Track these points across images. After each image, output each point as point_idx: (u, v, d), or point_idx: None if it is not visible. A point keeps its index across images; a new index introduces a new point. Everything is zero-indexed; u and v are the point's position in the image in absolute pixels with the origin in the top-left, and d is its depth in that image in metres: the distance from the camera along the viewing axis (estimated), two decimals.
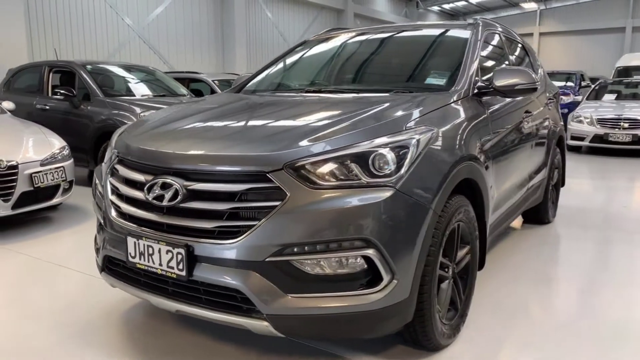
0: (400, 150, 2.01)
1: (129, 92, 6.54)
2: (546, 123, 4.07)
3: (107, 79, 6.58)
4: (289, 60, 3.59)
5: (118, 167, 2.32)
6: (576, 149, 9.85)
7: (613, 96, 10.66)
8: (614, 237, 4.15)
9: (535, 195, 4.03)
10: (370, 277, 1.91)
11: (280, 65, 3.58)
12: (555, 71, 16.46)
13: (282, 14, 17.41)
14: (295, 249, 1.86)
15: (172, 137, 2.29)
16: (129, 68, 7.25)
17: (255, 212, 1.91)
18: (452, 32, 3.34)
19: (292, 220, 1.86)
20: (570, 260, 3.63)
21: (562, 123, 4.68)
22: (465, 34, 3.16)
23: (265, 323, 1.90)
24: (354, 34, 3.63)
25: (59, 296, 3.01)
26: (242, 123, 2.40)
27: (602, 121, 9.23)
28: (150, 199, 2.05)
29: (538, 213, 4.43)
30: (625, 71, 14.59)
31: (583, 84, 15.20)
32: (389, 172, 1.95)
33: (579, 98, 12.38)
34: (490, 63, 3.28)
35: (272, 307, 1.88)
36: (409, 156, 2.01)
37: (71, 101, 6.14)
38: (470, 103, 2.66)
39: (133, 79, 7.01)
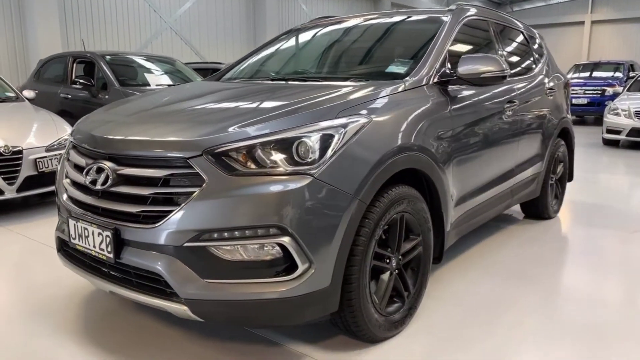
0: (326, 138, 1.99)
1: (146, 83, 6.73)
2: (543, 113, 3.89)
3: (126, 70, 6.81)
4: (271, 48, 3.59)
5: (71, 152, 2.41)
6: (614, 143, 9.35)
7: None
8: (614, 238, 3.93)
9: (528, 190, 3.87)
10: (286, 264, 1.90)
11: (265, 52, 3.59)
12: (601, 61, 15.68)
13: (318, 5, 17.36)
14: (212, 235, 1.88)
15: (117, 123, 2.35)
16: (150, 59, 7.46)
17: (176, 198, 1.94)
18: (429, 19, 3.23)
19: (208, 207, 1.88)
20: (554, 259, 3.47)
21: (567, 115, 4.46)
22: (439, 21, 3.06)
23: (184, 307, 1.93)
24: (338, 22, 3.59)
25: (37, 276, 3.16)
26: (186, 110, 2.43)
27: None
28: (87, 182, 2.13)
29: (536, 208, 4.25)
30: None
31: (633, 75, 14.36)
32: (311, 160, 1.94)
33: None
34: (467, 50, 3.16)
35: (189, 291, 1.91)
36: (332, 144, 1.98)
37: (90, 90, 6.40)
38: (429, 92, 2.58)
39: (152, 69, 7.21)
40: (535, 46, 4.28)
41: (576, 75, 14.61)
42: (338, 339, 2.36)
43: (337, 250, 1.96)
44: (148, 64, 7.29)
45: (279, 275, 1.91)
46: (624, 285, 3.02)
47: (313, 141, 1.95)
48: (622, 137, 8.89)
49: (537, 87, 3.88)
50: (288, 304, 1.92)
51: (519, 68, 3.85)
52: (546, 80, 4.10)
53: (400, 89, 2.45)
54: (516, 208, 4.41)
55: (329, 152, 1.96)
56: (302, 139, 1.95)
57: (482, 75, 2.66)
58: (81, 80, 6.39)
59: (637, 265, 3.31)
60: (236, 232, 1.87)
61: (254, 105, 2.29)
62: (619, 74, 14.25)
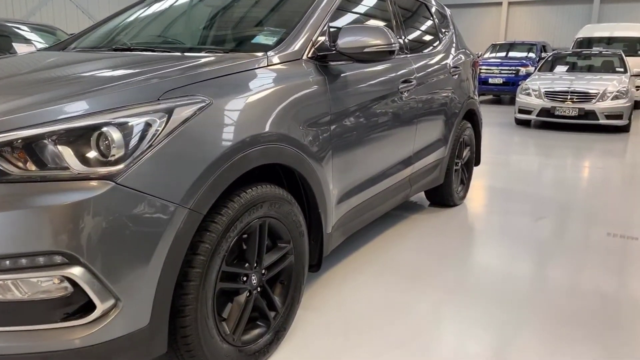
0: (139, 128, 1.48)
1: (13, 50, 5.87)
2: (445, 94, 3.58)
3: None
4: (134, 12, 2.97)
5: None
6: (526, 123, 9.46)
7: (565, 68, 10.25)
8: (519, 226, 3.74)
9: (430, 177, 3.56)
10: (80, 304, 1.40)
11: (127, 16, 2.96)
12: (516, 41, 16.05)
13: None
14: None
15: None
16: (27, 27, 6.56)
17: None
18: None
19: None
20: (456, 253, 3.19)
21: (474, 95, 4.20)
22: None
23: None
24: None
25: None
26: None
27: (550, 94, 8.82)
28: None
29: (440, 196, 3.99)
30: (587, 43, 14.16)
31: (544, 55, 14.79)
32: (114, 159, 1.42)
33: None
34: (355, 21, 2.74)
35: None
36: (148, 136, 1.48)
37: None
38: (301, 68, 2.13)
39: (28, 39, 6.30)
40: (440, 21, 3.94)
41: (493, 55, 14.83)
42: None
43: (158, 278, 1.48)
44: (23, 33, 6.36)
45: (70, 318, 1.40)
46: (524, 279, 2.78)
47: (118, 132, 1.44)
48: (533, 117, 8.98)
49: (439, 65, 3.55)
50: (87, 356, 1.42)
51: (418, 43, 3.49)
52: (450, 58, 3.79)
53: (262, 64, 1.97)
54: (421, 194, 4.13)
55: (142, 148, 1.46)
56: (103, 130, 1.43)
57: (366, 50, 2.24)
58: None
59: (538, 258, 3.10)
60: (7, 262, 1.34)
61: (58, 83, 1.73)
62: (532, 55, 14.61)
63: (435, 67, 3.46)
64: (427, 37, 3.68)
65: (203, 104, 1.63)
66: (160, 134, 1.50)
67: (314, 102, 2.12)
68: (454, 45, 3.99)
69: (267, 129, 1.82)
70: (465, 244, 3.33)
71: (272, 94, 1.91)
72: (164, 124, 1.51)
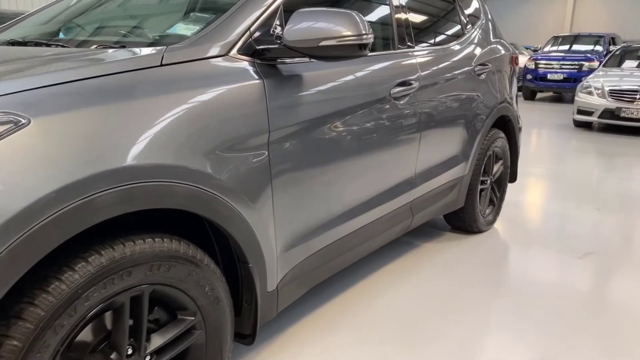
0: None
1: None
2: (467, 98, 2.87)
3: None
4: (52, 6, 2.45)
5: None
6: (586, 125, 8.38)
7: (636, 63, 9.03)
8: (555, 265, 2.97)
9: (444, 201, 2.87)
10: None
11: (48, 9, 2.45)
12: (581, 33, 14.63)
13: None
14: None
15: None
16: None
17: None
18: None
19: None
20: (469, 303, 2.50)
21: (511, 98, 3.44)
22: None
23: None
24: None
25: None
26: None
27: (615, 93, 7.73)
28: None
29: (461, 220, 3.28)
30: None
31: (613, 49, 13.36)
32: None
33: None
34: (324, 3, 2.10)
35: None
36: None
37: None
38: (219, 69, 1.52)
39: None
40: (466, 6, 3.22)
41: (554, 48, 13.56)
42: None
43: None
44: None
45: None
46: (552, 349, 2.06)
47: None
48: (594, 118, 7.92)
49: (459, 62, 2.84)
50: None
51: (430, 35, 2.80)
52: (477, 53, 3.06)
53: (151, 63, 1.38)
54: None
55: None
56: None
57: (322, 44, 1.61)
58: None
59: (574, 315, 2.35)
60: None
61: None
62: (598, 48, 13.23)
63: (452, 64, 2.75)
64: (445, 27, 2.98)
65: (9, 126, 1.06)
66: None
67: (240, 115, 1.52)
68: (484, 37, 3.25)
69: (133, 159, 1.23)
70: (483, 291, 2.62)
71: (153, 107, 1.31)
72: None
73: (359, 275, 2.70)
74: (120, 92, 1.27)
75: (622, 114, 7.58)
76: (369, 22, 2.00)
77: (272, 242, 1.67)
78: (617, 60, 9.33)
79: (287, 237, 1.75)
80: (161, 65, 1.39)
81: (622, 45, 10.36)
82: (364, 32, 1.65)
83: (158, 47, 1.45)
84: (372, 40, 1.69)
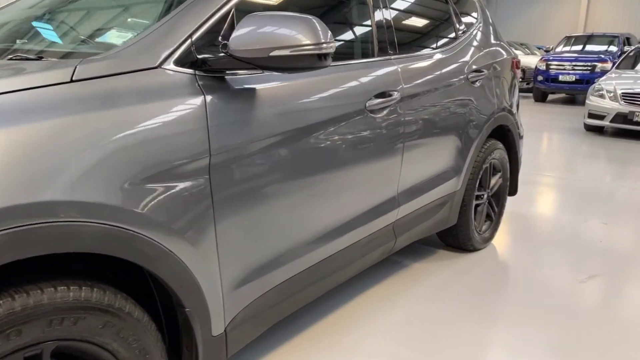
0: None
1: None
2: (458, 107, 2.63)
3: None
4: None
5: None
6: (597, 130, 8.07)
7: None
8: (558, 288, 2.73)
9: (433, 219, 2.65)
10: None
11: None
12: (594, 33, 14.22)
13: None
14: None
15: None
16: None
17: None
18: None
19: None
20: (458, 334, 2.27)
21: (510, 106, 3.20)
22: None
23: None
24: None
25: None
26: None
27: (628, 96, 7.41)
28: None
29: (455, 238, 3.05)
30: None
31: (627, 49, 12.96)
32: None
33: None
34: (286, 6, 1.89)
35: None
36: None
37: None
38: (147, 83, 1.31)
39: None
40: (460, 7, 2.98)
41: (567, 48, 13.19)
42: None
43: None
44: None
45: None
46: None
47: None
48: (605, 122, 7.60)
49: (450, 68, 2.61)
50: None
51: (417, 40, 2.57)
52: (471, 58, 2.82)
53: (60, 79, 1.17)
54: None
55: None
56: None
57: (273, 54, 1.40)
58: None
59: (576, 345, 2.12)
60: None
61: None
62: (613, 48, 12.84)
63: (441, 71, 2.52)
64: (435, 31, 2.74)
65: None
66: None
67: (170, 136, 1.30)
68: (481, 41, 3.01)
69: (24, 196, 1.02)
70: (476, 319, 2.39)
71: (55, 131, 1.10)
72: None
73: (330, 303, 2.47)
74: (13, 114, 1.06)
75: (636, 119, 7.26)
76: (349, 25, 1.80)
77: (216, 281, 1.46)
78: (631, 62, 8.98)
79: (236, 273, 1.54)
80: (71, 81, 1.18)
81: (637, 45, 9.99)
82: (323, 40, 1.43)
83: (71, 60, 1.25)
84: (333, 49, 1.47)
